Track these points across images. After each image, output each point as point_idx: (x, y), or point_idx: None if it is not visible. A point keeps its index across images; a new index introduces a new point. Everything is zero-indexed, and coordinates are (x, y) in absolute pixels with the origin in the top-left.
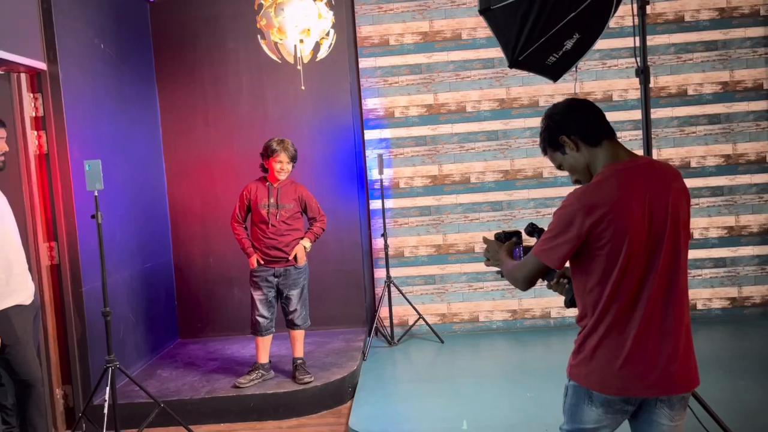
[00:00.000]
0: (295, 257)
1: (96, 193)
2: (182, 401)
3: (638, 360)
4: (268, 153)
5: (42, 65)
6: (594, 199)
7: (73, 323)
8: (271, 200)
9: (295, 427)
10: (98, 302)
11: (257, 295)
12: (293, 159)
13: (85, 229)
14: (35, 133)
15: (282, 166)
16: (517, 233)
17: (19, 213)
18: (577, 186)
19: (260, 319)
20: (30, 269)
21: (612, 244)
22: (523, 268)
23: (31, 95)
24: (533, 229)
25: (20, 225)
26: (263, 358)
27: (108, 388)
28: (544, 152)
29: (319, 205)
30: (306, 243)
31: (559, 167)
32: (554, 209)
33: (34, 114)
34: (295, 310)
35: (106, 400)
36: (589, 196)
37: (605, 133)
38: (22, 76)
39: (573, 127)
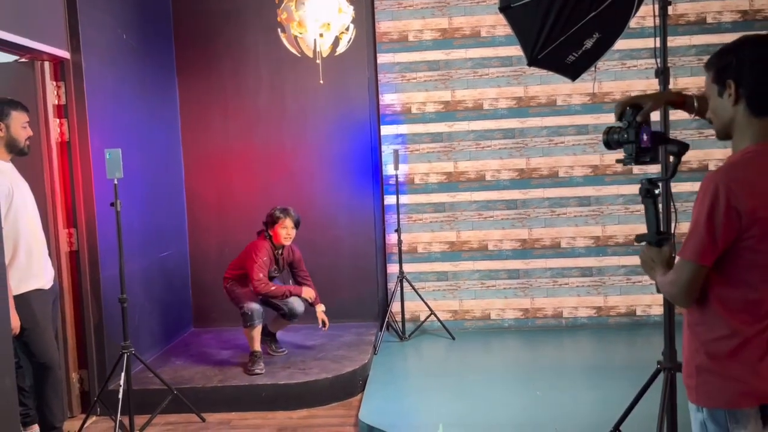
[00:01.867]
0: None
1: (116, 182)
2: (195, 389)
3: None
4: (273, 220)
5: (65, 54)
6: (738, 181)
7: (90, 309)
8: (276, 266)
9: (306, 417)
10: (115, 289)
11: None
12: (297, 224)
13: (104, 216)
14: (57, 120)
15: (288, 232)
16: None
17: (40, 199)
18: (718, 168)
19: (256, 306)
20: (50, 254)
21: (762, 234)
22: (678, 280)
23: (54, 83)
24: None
25: (41, 211)
26: (258, 346)
27: (123, 374)
28: (707, 69)
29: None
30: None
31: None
32: (569, 209)
33: (56, 102)
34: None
35: (121, 386)
36: (733, 177)
37: None
38: (46, 64)
39: (750, 81)
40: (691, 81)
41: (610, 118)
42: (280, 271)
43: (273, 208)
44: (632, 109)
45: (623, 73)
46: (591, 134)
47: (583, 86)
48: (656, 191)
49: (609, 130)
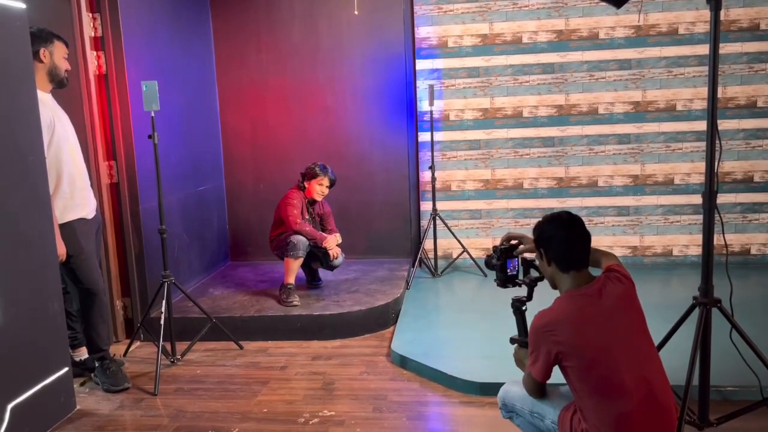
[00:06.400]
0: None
1: (152, 114)
2: (233, 318)
3: None
4: (312, 174)
5: None
6: (552, 324)
7: (131, 240)
8: (308, 217)
9: (339, 347)
10: (155, 220)
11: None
12: (332, 184)
13: (142, 149)
14: (94, 53)
15: (323, 190)
16: (512, 248)
17: (80, 132)
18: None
19: (303, 239)
20: (91, 186)
21: (576, 360)
22: (527, 384)
23: (90, 15)
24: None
25: (81, 144)
26: (293, 280)
27: (164, 302)
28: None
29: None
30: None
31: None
32: (608, 147)
33: (93, 34)
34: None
35: (162, 313)
36: (548, 321)
37: (576, 264)
38: None
39: (550, 248)
40: (743, 12)
41: (654, 52)
42: (311, 223)
43: (314, 162)
44: (507, 243)
45: (671, 4)
46: (634, 69)
47: (628, 18)
48: (523, 308)
49: (487, 256)
